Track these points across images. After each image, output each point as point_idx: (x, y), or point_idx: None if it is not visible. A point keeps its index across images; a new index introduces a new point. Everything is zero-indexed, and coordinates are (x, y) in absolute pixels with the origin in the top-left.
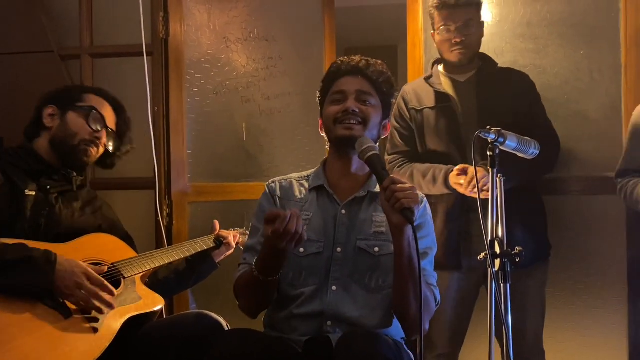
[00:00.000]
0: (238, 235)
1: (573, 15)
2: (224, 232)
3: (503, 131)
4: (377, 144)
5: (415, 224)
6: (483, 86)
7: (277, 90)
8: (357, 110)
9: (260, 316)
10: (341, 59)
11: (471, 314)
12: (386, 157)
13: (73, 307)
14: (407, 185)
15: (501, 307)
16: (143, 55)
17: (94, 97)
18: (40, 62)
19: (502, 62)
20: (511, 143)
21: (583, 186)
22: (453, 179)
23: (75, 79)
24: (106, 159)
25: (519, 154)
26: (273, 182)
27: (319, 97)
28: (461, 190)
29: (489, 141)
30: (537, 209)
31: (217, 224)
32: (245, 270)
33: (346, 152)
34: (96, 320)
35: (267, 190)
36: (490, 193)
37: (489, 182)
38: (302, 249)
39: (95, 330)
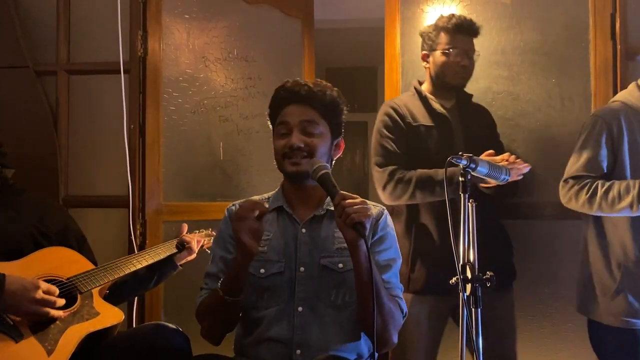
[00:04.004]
0: (202, 239)
1: (545, 45)
2: (186, 237)
3: (474, 157)
4: (332, 165)
5: (376, 237)
6: (464, 113)
7: (255, 110)
8: (302, 145)
9: (230, 342)
10: (286, 84)
11: (442, 335)
12: (377, 169)
13: (26, 324)
14: (357, 200)
15: (472, 332)
16: (120, 73)
17: None
18: (15, 77)
19: (477, 88)
20: (482, 169)
21: (554, 211)
22: None
23: (51, 96)
24: None
25: (490, 180)
26: (234, 205)
27: (268, 122)
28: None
29: (461, 167)
30: (503, 235)
31: (185, 227)
32: (207, 294)
33: (299, 183)
34: (51, 340)
35: (227, 214)
36: (462, 218)
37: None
38: (262, 270)
39: (49, 351)
